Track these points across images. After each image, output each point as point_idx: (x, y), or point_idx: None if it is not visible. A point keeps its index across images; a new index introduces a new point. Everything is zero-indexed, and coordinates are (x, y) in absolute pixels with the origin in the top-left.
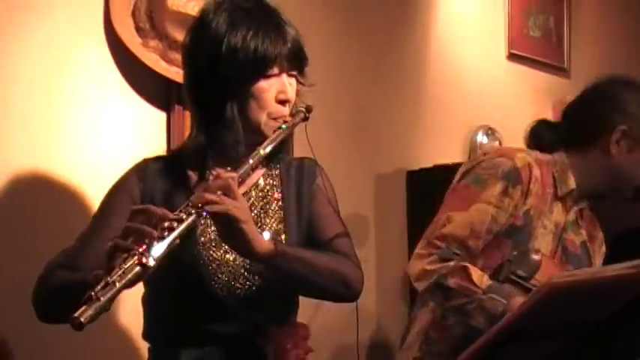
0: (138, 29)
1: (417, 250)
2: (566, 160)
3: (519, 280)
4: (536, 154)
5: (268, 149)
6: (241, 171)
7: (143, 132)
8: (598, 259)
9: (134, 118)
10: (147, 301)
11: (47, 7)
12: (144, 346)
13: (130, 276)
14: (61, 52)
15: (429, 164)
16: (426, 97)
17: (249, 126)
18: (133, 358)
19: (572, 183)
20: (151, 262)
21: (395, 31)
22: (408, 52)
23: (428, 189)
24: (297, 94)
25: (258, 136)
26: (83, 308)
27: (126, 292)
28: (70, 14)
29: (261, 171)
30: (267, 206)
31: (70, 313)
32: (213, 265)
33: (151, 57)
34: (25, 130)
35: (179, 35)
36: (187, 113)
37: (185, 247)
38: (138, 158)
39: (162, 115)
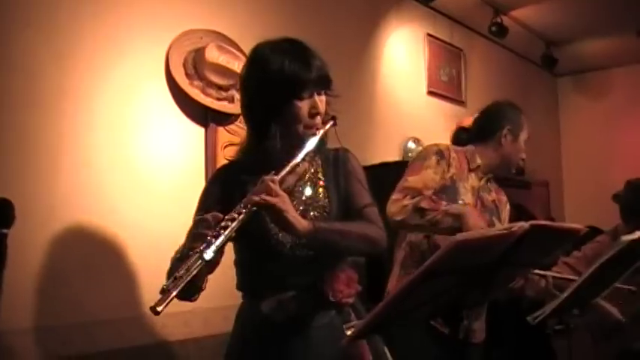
0: (186, 74)
1: (393, 197)
2: (474, 149)
3: None
4: (455, 146)
5: (303, 154)
6: (282, 173)
7: (189, 141)
8: (504, 213)
9: (183, 131)
10: (237, 263)
11: (123, 57)
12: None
13: (193, 269)
14: (136, 88)
15: (377, 161)
16: (375, 116)
17: (290, 135)
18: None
19: (478, 160)
20: (209, 256)
21: (354, 73)
22: (363, 87)
23: (378, 178)
24: (327, 103)
25: (299, 142)
26: (159, 299)
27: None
28: (142, 64)
29: (306, 162)
30: (316, 187)
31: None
32: (280, 234)
33: (194, 92)
34: (108, 140)
35: (213, 78)
36: (219, 128)
37: (259, 224)
38: (186, 157)
39: (201, 130)
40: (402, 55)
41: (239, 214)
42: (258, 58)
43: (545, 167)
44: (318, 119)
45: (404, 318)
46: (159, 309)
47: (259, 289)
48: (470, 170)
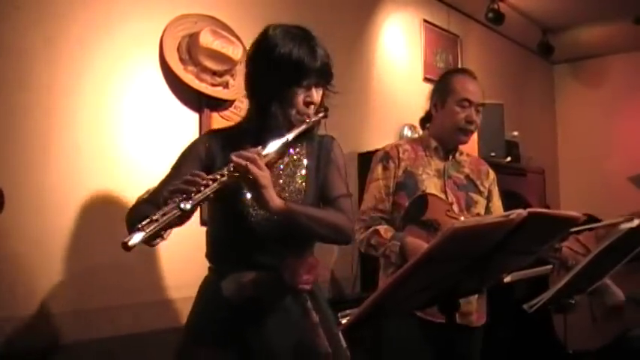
0: (180, 59)
1: (355, 226)
2: (427, 133)
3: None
4: (411, 138)
5: (292, 137)
6: (267, 150)
7: (183, 126)
8: (486, 182)
9: (176, 117)
10: (209, 233)
11: (115, 41)
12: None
13: (169, 215)
14: (128, 73)
15: (372, 148)
16: (371, 103)
17: (283, 118)
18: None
19: (433, 143)
20: (187, 207)
21: (350, 61)
22: (358, 74)
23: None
24: (323, 96)
25: (289, 125)
26: (130, 236)
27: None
28: (135, 48)
29: (293, 145)
30: (297, 170)
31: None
32: (255, 210)
33: (188, 77)
34: (99, 125)
35: (208, 63)
36: (213, 114)
37: (236, 197)
38: (179, 143)
39: (195, 115)
40: (398, 41)
41: (222, 175)
42: (269, 39)
43: (541, 155)
44: (311, 109)
45: (399, 306)
46: (130, 244)
47: (223, 264)
48: (428, 155)
